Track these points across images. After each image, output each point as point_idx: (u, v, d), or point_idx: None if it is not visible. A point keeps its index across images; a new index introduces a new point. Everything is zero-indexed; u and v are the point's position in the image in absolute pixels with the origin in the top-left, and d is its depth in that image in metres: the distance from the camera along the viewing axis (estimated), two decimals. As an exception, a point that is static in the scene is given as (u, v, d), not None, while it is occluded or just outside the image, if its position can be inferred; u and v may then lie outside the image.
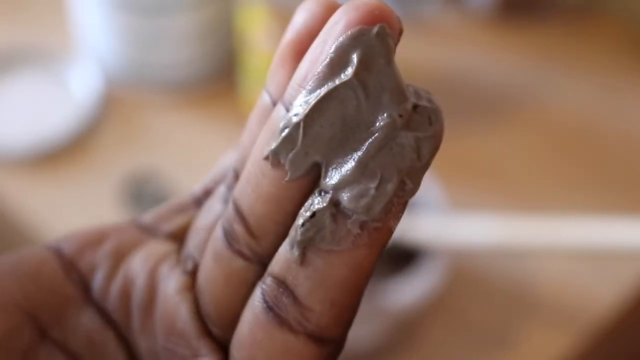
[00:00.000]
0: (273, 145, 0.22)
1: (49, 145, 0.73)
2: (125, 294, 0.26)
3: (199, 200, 0.28)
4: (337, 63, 0.21)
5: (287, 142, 0.22)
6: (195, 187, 0.28)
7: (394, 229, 0.22)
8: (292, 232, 0.22)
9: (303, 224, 0.22)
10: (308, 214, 0.22)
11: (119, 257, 0.27)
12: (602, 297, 0.65)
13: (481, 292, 0.66)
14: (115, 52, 0.78)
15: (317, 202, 0.22)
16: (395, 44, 0.22)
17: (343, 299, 0.22)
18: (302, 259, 0.22)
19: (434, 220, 0.64)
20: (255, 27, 0.73)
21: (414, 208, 0.66)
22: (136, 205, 0.69)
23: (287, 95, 0.23)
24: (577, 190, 0.73)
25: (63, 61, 0.80)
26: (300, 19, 0.23)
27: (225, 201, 0.26)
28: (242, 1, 0.77)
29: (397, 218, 0.22)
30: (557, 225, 0.63)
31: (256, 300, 0.23)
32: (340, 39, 0.21)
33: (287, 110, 0.22)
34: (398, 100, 0.21)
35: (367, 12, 0.22)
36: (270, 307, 0.23)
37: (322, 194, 0.22)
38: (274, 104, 0.24)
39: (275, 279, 0.23)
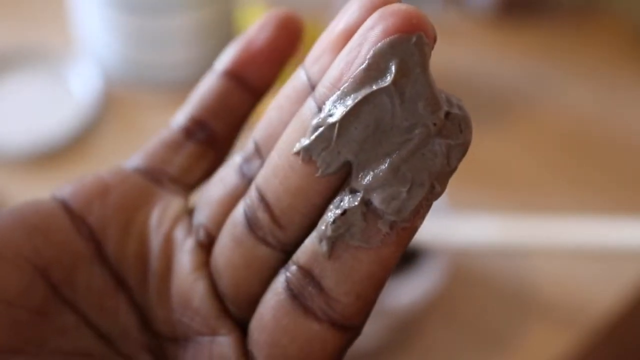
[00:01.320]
0: (305, 142, 0.23)
1: (49, 145, 0.73)
2: (141, 260, 0.26)
3: (189, 130, 0.27)
4: (374, 68, 0.22)
5: (320, 141, 0.22)
6: (179, 116, 0.28)
7: (419, 227, 0.23)
8: (321, 227, 0.23)
9: (334, 221, 0.22)
10: (339, 211, 0.22)
11: (129, 212, 0.26)
12: (602, 297, 0.65)
13: (481, 292, 0.66)
14: (115, 52, 0.78)
15: (347, 200, 0.22)
16: (430, 52, 0.22)
17: (368, 292, 0.23)
18: (331, 253, 0.23)
19: (434, 220, 0.64)
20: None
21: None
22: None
23: (320, 94, 0.23)
24: (577, 190, 0.73)
25: (63, 61, 0.80)
26: (355, 11, 0.24)
27: (241, 174, 0.26)
28: (242, 1, 0.77)
29: (423, 218, 0.23)
30: (557, 225, 0.63)
31: (280, 287, 0.24)
32: (379, 44, 0.22)
33: (319, 108, 0.23)
34: (432, 109, 0.22)
35: (405, 20, 0.22)
36: (295, 295, 0.23)
37: (353, 192, 0.22)
38: (312, 87, 0.24)
39: (301, 268, 0.23)
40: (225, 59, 0.28)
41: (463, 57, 0.85)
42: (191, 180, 0.28)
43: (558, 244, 0.62)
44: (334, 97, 0.22)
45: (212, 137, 0.28)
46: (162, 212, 0.26)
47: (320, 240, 0.23)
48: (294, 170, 0.23)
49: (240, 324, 0.25)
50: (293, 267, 0.23)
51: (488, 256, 0.67)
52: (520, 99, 0.81)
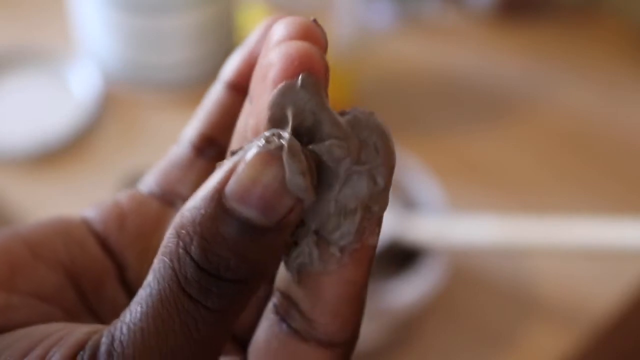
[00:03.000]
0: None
1: (49, 145, 0.73)
2: None
3: (200, 148, 0.28)
4: (277, 119, 0.23)
5: None
6: (188, 132, 0.28)
7: (375, 243, 0.24)
8: (284, 257, 0.24)
9: (292, 252, 0.24)
10: (294, 242, 0.24)
11: (146, 239, 0.27)
12: (602, 297, 0.65)
13: (481, 292, 0.66)
14: (115, 52, 0.78)
15: (302, 232, 0.24)
16: (325, 82, 0.23)
17: (344, 310, 0.24)
18: (299, 280, 0.24)
19: (434, 220, 0.64)
20: (255, 26, 0.73)
21: (414, 208, 0.66)
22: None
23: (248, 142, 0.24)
24: (577, 190, 0.73)
25: (63, 61, 0.80)
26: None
27: None
28: (242, 1, 0.77)
29: (375, 234, 0.24)
30: (557, 225, 0.63)
31: (270, 312, 0.25)
32: (271, 97, 0.23)
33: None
34: (339, 145, 0.23)
35: (290, 65, 0.23)
36: (282, 319, 0.24)
37: (303, 224, 0.24)
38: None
39: (281, 294, 0.24)
40: (229, 70, 0.28)
41: (463, 57, 0.85)
42: None
43: (558, 244, 0.62)
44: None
45: (222, 153, 0.28)
46: None
47: (287, 270, 0.24)
48: None
49: (243, 345, 0.26)
50: (277, 293, 0.25)
51: (488, 256, 0.67)
52: (520, 99, 0.81)
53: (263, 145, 0.21)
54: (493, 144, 0.77)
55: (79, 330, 0.23)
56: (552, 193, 0.73)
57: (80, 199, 0.70)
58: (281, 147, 0.21)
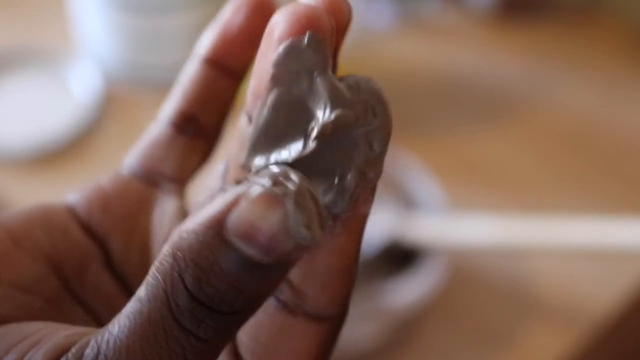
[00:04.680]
0: (244, 155, 0.24)
1: (49, 145, 0.73)
2: (145, 266, 0.27)
3: (179, 126, 0.28)
4: (278, 76, 0.23)
5: (253, 151, 0.23)
6: (167, 110, 0.29)
7: (368, 212, 0.24)
8: None
9: None
10: None
11: (130, 221, 0.27)
12: (602, 297, 0.65)
13: (481, 292, 0.66)
14: (115, 52, 0.78)
15: None
16: (331, 43, 0.23)
17: (334, 281, 0.24)
18: None
19: (434, 220, 0.64)
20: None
21: (414, 208, 0.66)
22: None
23: (247, 105, 0.24)
24: (577, 190, 0.73)
25: (63, 61, 0.80)
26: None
27: (224, 179, 0.27)
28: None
29: (368, 203, 0.23)
30: (557, 225, 0.62)
31: None
32: (276, 54, 0.23)
33: (249, 119, 0.24)
34: (332, 107, 0.23)
35: (296, 22, 0.22)
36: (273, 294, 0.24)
37: None
38: None
39: None
40: (204, 45, 0.28)
41: (463, 57, 0.85)
42: (185, 175, 0.28)
43: (558, 244, 0.62)
44: (257, 109, 0.23)
45: (202, 129, 0.28)
46: (161, 217, 0.27)
47: None
48: None
49: None
50: None
51: (488, 256, 0.67)
52: (520, 99, 0.81)
53: (269, 185, 0.20)
54: (493, 144, 0.77)
55: (58, 334, 0.22)
56: (552, 193, 0.73)
57: (80, 199, 0.70)
58: (286, 193, 0.20)
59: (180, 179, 0.28)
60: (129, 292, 0.27)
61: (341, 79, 0.23)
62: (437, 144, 0.76)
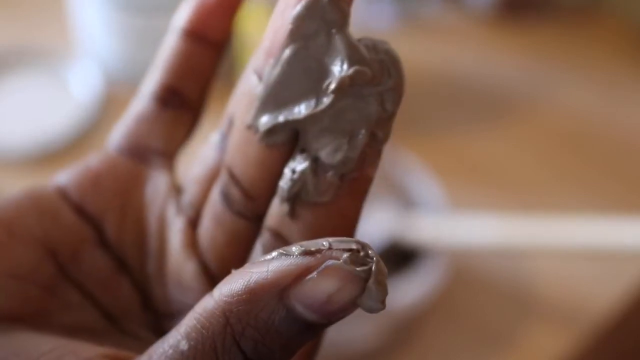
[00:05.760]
0: (251, 115, 0.24)
1: (49, 145, 0.73)
2: (140, 241, 0.27)
3: (164, 99, 0.28)
4: (296, 32, 0.23)
5: (262, 110, 0.24)
6: (150, 84, 0.29)
7: (373, 175, 0.24)
8: (279, 189, 0.24)
9: (288, 181, 0.23)
10: (291, 171, 0.24)
11: (123, 198, 0.27)
12: (602, 297, 0.65)
13: (481, 292, 0.66)
14: (115, 52, 0.78)
15: (298, 160, 0.23)
16: (347, 5, 0.23)
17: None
18: (293, 213, 0.24)
19: (434, 220, 0.64)
20: (254, 26, 0.73)
21: (414, 208, 0.66)
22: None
23: (257, 64, 0.24)
24: (577, 190, 0.73)
25: (63, 61, 0.80)
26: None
27: (220, 151, 0.27)
28: (242, 1, 0.77)
29: (374, 165, 0.24)
30: (557, 225, 0.62)
31: (259, 254, 0.25)
32: (296, 9, 0.23)
33: (259, 78, 0.24)
34: (350, 63, 0.23)
35: None
36: None
37: (302, 152, 0.23)
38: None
39: (271, 232, 0.24)
40: (183, 17, 0.28)
41: (463, 57, 0.85)
42: (173, 148, 0.28)
43: (558, 244, 0.62)
44: (269, 67, 0.23)
45: (186, 101, 0.28)
46: (153, 192, 0.27)
47: (282, 202, 0.24)
48: (250, 144, 0.24)
49: None
50: (266, 233, 0.25)
51: (488, 256, 0.67)
52: (520, 99, 0.81)
53: (348, 261, 0.20)
54: (493, 144, 0.77)
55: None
56: (552, 193, 0.73)
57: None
58: (369, 271, 0.20)
59: (169, 153, 0.28)
60: (125, 271, 0.27)
61: (359, 40, 0.23)
62: (437, 144, 0.76)
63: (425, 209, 0.65)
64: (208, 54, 0.28)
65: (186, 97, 0.28)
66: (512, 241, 0.62)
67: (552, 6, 0.89)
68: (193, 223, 0.27)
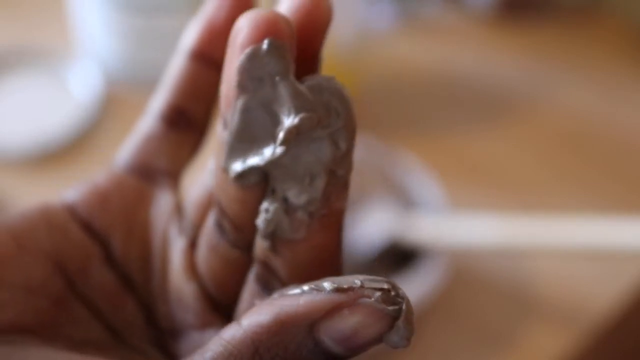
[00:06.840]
0: (222, 160, 0.25)
1: (49, 145, 0.73)
2: (145, 260, 0.27)
3: (170, 120, 0.29)
4: (243, 83, 0.23)
5: (230, 155, 0.24)
6: (157, 104, 0.29)
7: (343, 207, 0.24)
8: (258, 227, 0.25)
9: (263, 220, 0.24)
10: (265, 210, 0.24)
11: (129, 217, 0.28)
12: (602, 297, 0.65)
13: (481, 292, 0.66)
14: (115, 52, 0.78)
15: (270, 200, 0.24)
16: (292, 47, 0.23)
17: (319, 275, 0.24)
18: (274, 249, 0.24)
19: (434, 220, 0.64)
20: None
21: (414, 208, 0.66)
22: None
23: (221, 111, 0.25)
24: (577, 190, 0.73)
25: (63, 61, 0.80)
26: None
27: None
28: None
29: (342, 199, 0.24)
30: (557, 225, 0.62)
31: (252, 281, 0.25)
32: (238, 61, 0.23)
33: (225, 124, 0.24)
34: (296, 111, 0.23)
35: (255, 29, 0.23)
36: (264, 288, 0.25)
37: (273, 192, 0.24)
38: None
39: (260, 263, 0.25)
40: (191, 39, 0.29)
41: (463, 57, 0.85)
42: (179, 167, 0.29)
43: (558, 244, 0.62)
44: (229, 115, 0.24)
45: (192, 122, 0.29)
46: (158, 211, 0.28)
47: (262, 239, 0.25)
48: (228, 184, 0.25)
49: (227, 316, 0.27)
50: (257, 264, 0.25)
51: (488, 256, 0.67)
52: (520, 99, 0.81)
53: (380, 300, 0.22)
54: (493, 144, 0.77)
55: None
56: (552, 193, 0.73)
57: (80, 199, 0.70)
58: (400, 310, 0.22)
59: (174, 173, 0.29)
60: (130, 288, 0.27)
61: (303, 80, 0.24)
62: (437, 144, 0.76)
63: (425, 209, 0.65)
64: (214, 75, 0.28)
65: (192, 118, 0.29)
66: (512, 241, 0.62)
67: (552, 6, 0.89)
68: (194, 244, 0.27)
